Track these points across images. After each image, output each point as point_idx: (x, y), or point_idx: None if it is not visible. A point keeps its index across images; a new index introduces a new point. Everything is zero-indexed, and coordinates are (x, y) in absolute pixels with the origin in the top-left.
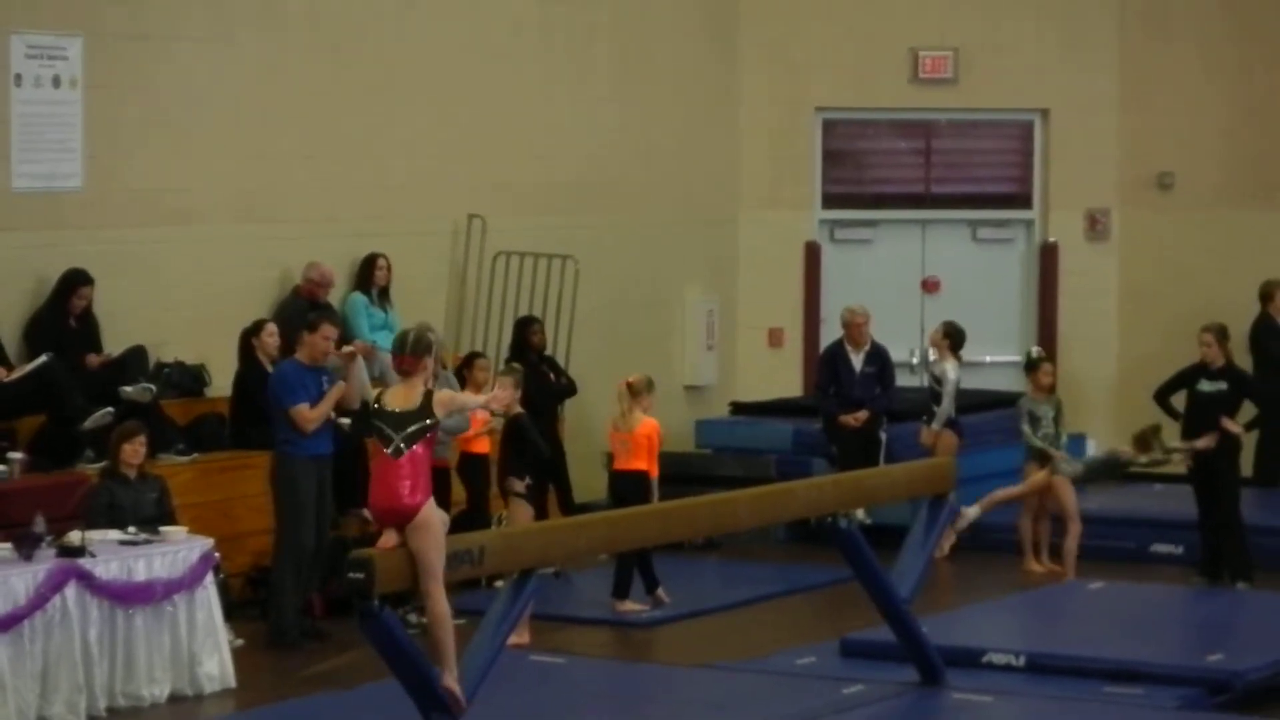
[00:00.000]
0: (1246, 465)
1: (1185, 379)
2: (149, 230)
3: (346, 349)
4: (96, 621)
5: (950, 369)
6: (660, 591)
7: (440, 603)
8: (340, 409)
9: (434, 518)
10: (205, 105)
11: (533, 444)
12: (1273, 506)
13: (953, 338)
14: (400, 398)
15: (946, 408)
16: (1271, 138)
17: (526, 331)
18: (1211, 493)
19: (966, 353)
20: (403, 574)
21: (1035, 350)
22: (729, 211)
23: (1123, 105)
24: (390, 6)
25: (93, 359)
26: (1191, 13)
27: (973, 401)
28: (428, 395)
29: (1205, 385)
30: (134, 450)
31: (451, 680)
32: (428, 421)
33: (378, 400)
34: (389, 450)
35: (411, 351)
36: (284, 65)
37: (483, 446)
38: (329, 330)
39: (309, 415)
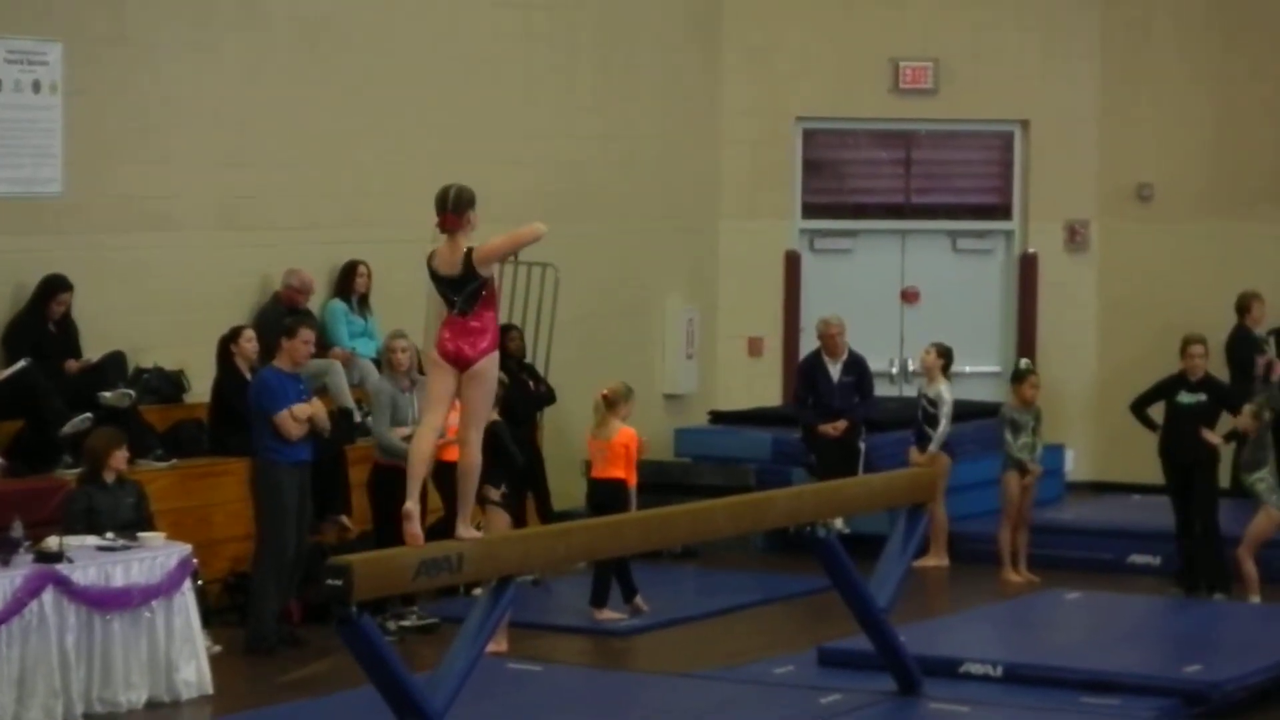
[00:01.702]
0: (1224, 477)
1: (1164, 390)
2: (129, 236)
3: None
4: (74, 627)
5: (945, 391)
6: (638, 599)
7: (474, 453)
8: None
9: (492, 370)
10: (186, 112)
11: (508, 452)
12: (1249, 518)
13: (946, 358)
14: (445, 261)
15: (945, 430)
16: (1251, 150)
17: (505, 338)
18: (1189, 504)
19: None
20: (381, 580)
21: (1024, 362)
22: (709, 220)
23: (1103, 116)
24: (372, 15)
25: (71, 364)
26: (1173, 25)
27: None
28: (468, 256)
29: (1185, 397)
30: (121, 458)
31: (466, 529)
32: (475, 282)
33: (430, 260)
34: (454, 311)
35: (453, 208)
36: (265, 72)
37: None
38: (307, 335)
39: (298, 417)
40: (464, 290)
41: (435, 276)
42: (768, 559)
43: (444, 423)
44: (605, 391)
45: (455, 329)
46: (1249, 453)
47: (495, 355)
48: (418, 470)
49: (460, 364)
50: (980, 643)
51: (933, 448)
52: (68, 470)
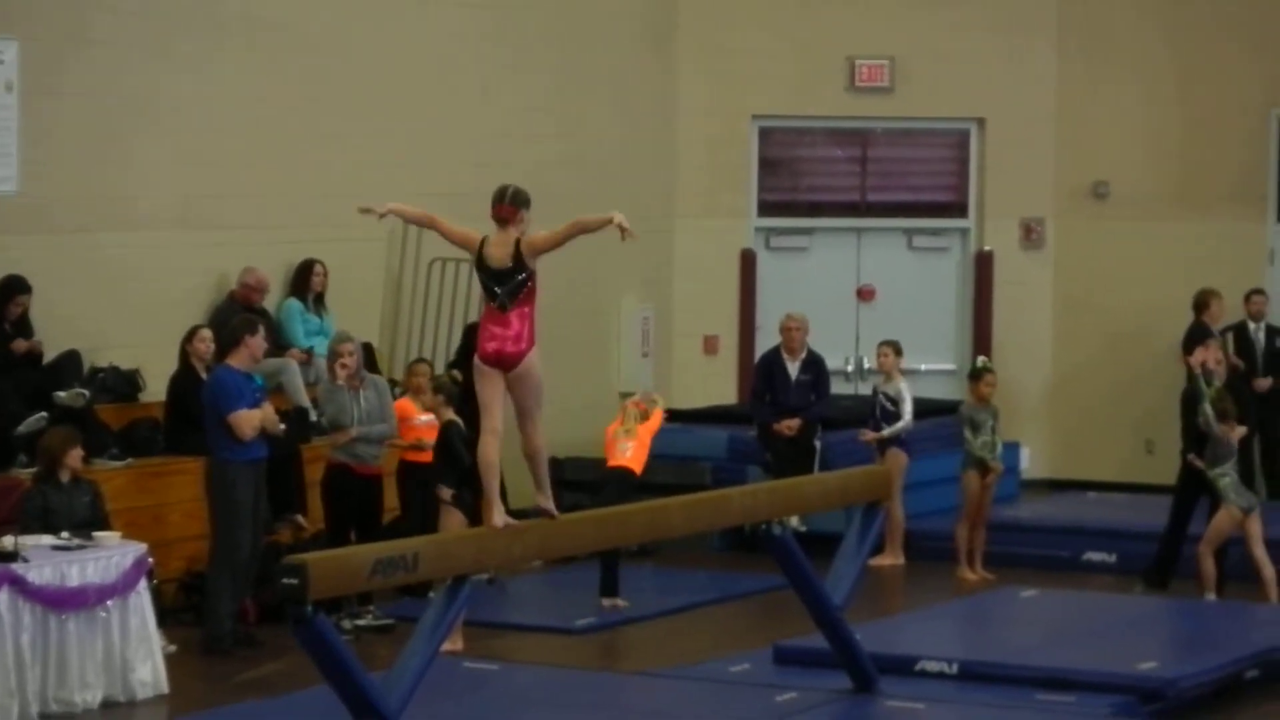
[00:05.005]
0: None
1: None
2: (85, 235)
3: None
4: (29, 627)
5: (905, 388)
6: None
7: (535, 439)
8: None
9: (534, 368)
10: (143, 110)
11: (458, 454)
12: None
13: (901, 355)
14: (496, 254)
15: (907, 424)
16: (1206, 149)
17: (474, 337)
18: (1190, 507)
19: (902, 361)
20: (336, 579)
21: (981, 360)
22: (665, 219)
23: (1059, 115)
24: (329, 16)
25: (19, 344)
26: (1129, 24)
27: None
28: (516, 246)
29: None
30: (76, 457)
31: (546, 501)
32: (522, 276)
33: (480, 250)
34: (495, 305)
35: (511, 201)
36: (223, 73)
37: (422, 455)
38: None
39: (251, 420)
40: (509, 283)
41: (483, 268)
42: (724, 557)
43: (502, 424)
44: (641, 403)
45: (494, 327)
46: (1209, 450)
47: (535, 353)
48: (490, 479)
49: (504, 364)
50: (936, 640)
51: (887, 432)
52: (23, 470)
